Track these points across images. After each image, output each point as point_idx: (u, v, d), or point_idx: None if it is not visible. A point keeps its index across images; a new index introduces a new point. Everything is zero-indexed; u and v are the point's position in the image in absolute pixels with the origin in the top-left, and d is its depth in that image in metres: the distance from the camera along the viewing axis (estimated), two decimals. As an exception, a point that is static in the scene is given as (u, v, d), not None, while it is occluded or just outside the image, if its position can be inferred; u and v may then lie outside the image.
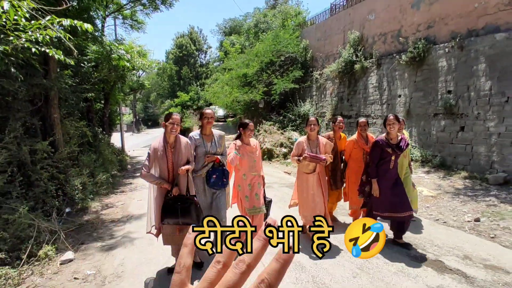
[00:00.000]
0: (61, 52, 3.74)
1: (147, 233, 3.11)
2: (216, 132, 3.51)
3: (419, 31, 8.92)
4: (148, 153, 2.98)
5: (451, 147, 7.44)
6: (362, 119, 4.40)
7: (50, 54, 3.51)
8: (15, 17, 3.03)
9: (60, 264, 3.34)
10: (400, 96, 9.19)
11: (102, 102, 10.81)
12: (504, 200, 5.12)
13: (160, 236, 3.04)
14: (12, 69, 3.51)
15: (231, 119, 25.50)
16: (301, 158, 3.75)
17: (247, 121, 3.75)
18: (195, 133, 3.40)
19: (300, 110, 13.98)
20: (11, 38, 3.25)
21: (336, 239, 3.72)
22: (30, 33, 3.18)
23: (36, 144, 5.24)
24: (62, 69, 6.46)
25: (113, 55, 6.74)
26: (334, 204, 4.66)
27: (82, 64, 7.35)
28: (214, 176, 3.28)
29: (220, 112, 30.03)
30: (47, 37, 3.38)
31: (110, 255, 3.61)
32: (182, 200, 2.88)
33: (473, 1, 7.41)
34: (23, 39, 3.32)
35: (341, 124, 4.44)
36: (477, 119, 6.80)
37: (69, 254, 3.50)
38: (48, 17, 3.16)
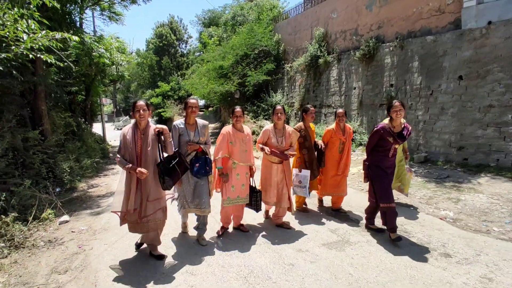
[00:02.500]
0: (52, 56, 4.60)
1: (111, 212, 3.24)
2: (200, 121, 3.51)
3: (372, 30, 10.05)
4: (120, 140, 3.05)
5: (392, 133, 8.72)
6: (340, 110, 4.41)
7: (44, 59, 4.37)
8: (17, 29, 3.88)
9: (59, 224, 4.32)
10: (355, 88, 10.39)
11: (84, 94, 11.49)
12: (419, 175, 6.39)
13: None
14: (14, 71, 4.34)
15: (210, 109, 26.28)
16: (266, 150, 3.69)
17: (235, 107, 3.67)
18: (179, 121, 3.45)
19: (272, 100, 14.99)
20: (13, 47, 4.09)
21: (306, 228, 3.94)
22: (25, 37, 3.99)
23: (28, 133, 6.05)
24: (48, 66, 7.18)
25: (94, 53, 7.50)
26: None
27: (63, 60, 8.06)
28: (197, 164, 3.34)
29: (201, 102, 30.77)
30: (40, 44, 4.24)
31: (98, 217, 4.60)
32: (174, 157, 3.05)
33: (412, 6, 8.57)
34: (22, 47, 4.16)
35: (313, 114, 4.32)
36: (410, 109, 8.06)
37: (65, 217, 4.47)
38: (44, 32, 4.01)
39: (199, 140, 3.42)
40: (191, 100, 3.41)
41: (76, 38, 4.24)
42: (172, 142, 3.18)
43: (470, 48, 6.79)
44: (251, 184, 3.89)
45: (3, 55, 4.08)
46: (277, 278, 2.80)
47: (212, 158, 3.59)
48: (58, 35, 4.10)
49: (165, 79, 33.83)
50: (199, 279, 2.82)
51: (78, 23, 9.83)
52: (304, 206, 4.70)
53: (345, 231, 3.87)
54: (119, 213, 3.10)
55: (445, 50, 7.33)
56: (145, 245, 3.42)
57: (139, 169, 2.88)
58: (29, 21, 3.63)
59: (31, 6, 3.76)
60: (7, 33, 3.91)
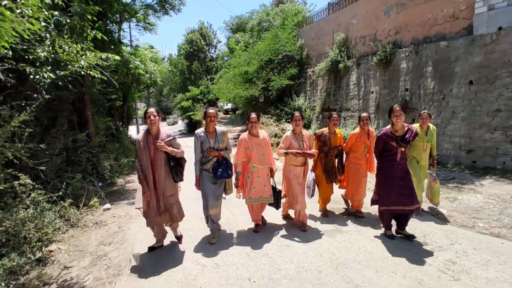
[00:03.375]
0: (98, 72, 5.56)
1: (135, 208, 3.70)
2: (219, 129, 3.79)
3: (390, 35, 10.34)
4: (137, 147, 3.31)
5: (406, 136, 8.97)
6: (364, 114, 4.48)
7: (93, 74, 5.33)
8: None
9: (103, 210, 5.26)
10: (372, 92, 10.70)
11: (121, 100, 12.75)
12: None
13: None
14: (69, 85, 5.33)
15: (237, 112, 27.28)
16: (294, 152, 3.88)
17: (250, 113, 3.92)
18: (200, 130, 3.75)
19: (295, 104, 15.52)
20: (69, 66, 5.07)
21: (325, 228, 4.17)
22: (82, 62, 4.95)
23: (77, 135, 7.12)
24: (92, 78, 8.32)
25: (130, 65, 8.55)
26: (328, 198, 4.74)
27: (105, 71, 9.24)
28: (219, 169, 3.68)
29: (228, 105, 32.04)
30: (90, 62, 5.21)
31: (133, 206, 5.46)
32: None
33: (428, 12, 8.81)
34: (76, 66, 5.14)
35: (335, 121, 4.50)
36: (424, 113, 8.29)
37: (107, 205, 5.42)
38: (93, 53, 4.95)
39: (218, 147, 3.72)
40: (210, 111, 3.69)
41: (117, 57, 5.18)
42: (180, 149, 3.53)
43: (480, 53, 6.98)
44: (272, 184, 4.10)
45: (62, 73, 5.07)
46: (273, 254, 3.44)
47: (232, 163, 3.87)
48: (104, 55, 5.04)
49: (195, 83, 35.33)
50: (211, 252, 3.54)
51: (116, 38, 11.09)
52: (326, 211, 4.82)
53: (342, 222, 4.40)
54: (141, 209, 3.50)
55: (457, 56, 7.54)
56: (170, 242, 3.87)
57: (147, 194, 3.35)
58: (87, 52, 4.57)
59: (88, 42, 4.71)
60: (66, 56, 4.92)
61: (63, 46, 4.28)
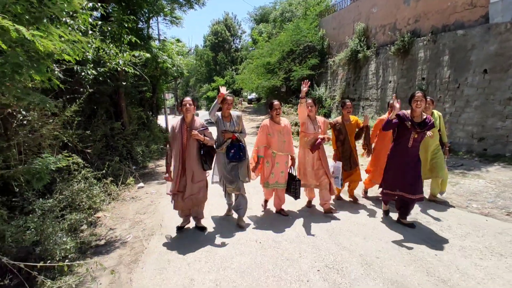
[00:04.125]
0: (132, 67, 6.34)
1: (167, 193, 3.92)
2: (234, 113, 3.99)
3: (409, 24, 10.38)
4: (170, 132, 3.54)
5: (422, 125, 9.13)
6: (392, 101, 4.29)
7: (127, 70, 6.11)
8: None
9: (138, 188, 6.11)
10: (390, 82, 10.84)
11: (151, 91, 13.71)
12: (436, 162, 6.95)
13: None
14: (108, 80, 6.16)
15: (262, 101, 27.78)
16: (313, 149, 4.08)
17: (273, 101, 4.09)
18: (217, 114, 3.93)
19: (316, 93, 15.81)
20: (108, 64, 5.87)
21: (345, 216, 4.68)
22: (120, 61, 5.72)
23: (113, 124, 8.03)
24: (126, 73, 9.20)
25: (159, 60, 9.34)
26: (352, 184, 4.83)
27: (136, 66, 10.13)
28: (232, 151, 3.80)
29: (253, 95, 32.60)
30: (125, 60, 5.98)
31: (163, 185, 6.28)
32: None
33: None
34: (113, 63, 5.93)
35: (349, 108, 4.55)
36: (439, 102, 8.43)
37: (141, 184, 6.27)
38: (128, 52, 5.71)
39: (234, 129, 3.90)
40: (228, 97, 3.87)
41: (148, 54, 5.92)
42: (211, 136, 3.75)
43: (495, 42, 7.03)
44: (291, 172, 4.24)
45: (102, 69, 5.89)
46: (278, 224, 4.05)
47: (245, 145, 4.00)
48: (137, 53, 5.79)
49: (220, 73, 36.16)
50: (226, 221, 4.22)
51: (145, 34, 11.94)
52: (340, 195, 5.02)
53: (346, 202, 4.90)
54: (171, 193, 3.80)
55: (473, 44, 7.60)
56: (190, 224, 4.15)
57: (168, 177, 3.74)
58: (124, 53, 5.35)
59: (125, 44, 5.47)
60: (106, 57, 5.72)
61: (106, 49, 5.04)
